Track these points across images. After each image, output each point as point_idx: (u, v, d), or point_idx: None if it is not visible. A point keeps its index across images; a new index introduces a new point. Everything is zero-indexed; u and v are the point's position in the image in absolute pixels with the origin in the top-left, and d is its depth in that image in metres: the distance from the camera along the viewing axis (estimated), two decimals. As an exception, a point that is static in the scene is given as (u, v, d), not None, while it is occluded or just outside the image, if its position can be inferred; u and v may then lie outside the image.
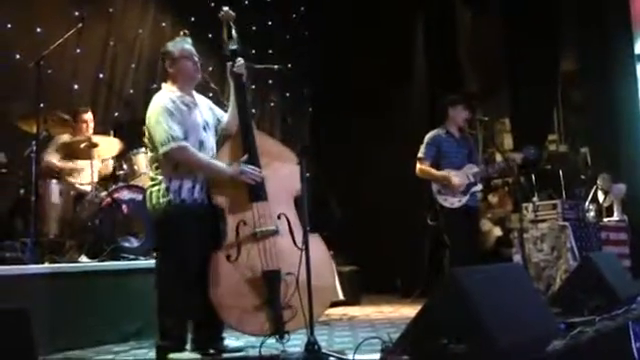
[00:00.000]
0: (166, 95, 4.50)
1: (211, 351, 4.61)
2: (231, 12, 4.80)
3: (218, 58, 8.29)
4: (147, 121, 4.48)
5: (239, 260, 4.45)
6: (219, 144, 4.75)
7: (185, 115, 4.46)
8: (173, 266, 4.35)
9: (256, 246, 4.48)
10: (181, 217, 4.38)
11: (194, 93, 4.68)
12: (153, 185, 4.46)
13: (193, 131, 4.46)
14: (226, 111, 4.89)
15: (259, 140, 4.69)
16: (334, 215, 9.69)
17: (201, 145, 4.49)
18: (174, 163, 4.40)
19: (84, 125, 6.84)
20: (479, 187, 6.55)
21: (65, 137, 6.68)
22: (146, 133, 4.53)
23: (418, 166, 6.53)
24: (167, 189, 4.38)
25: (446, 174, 6.40)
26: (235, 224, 4.49)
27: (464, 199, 6.38)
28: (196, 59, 4.64)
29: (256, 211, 4.52)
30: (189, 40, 4.72)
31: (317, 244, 4.60)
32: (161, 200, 4.39)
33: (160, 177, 4.43)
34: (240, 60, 4.70)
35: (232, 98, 4.78)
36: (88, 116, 6.92)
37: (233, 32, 4.78)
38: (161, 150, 4.33)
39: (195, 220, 4.42)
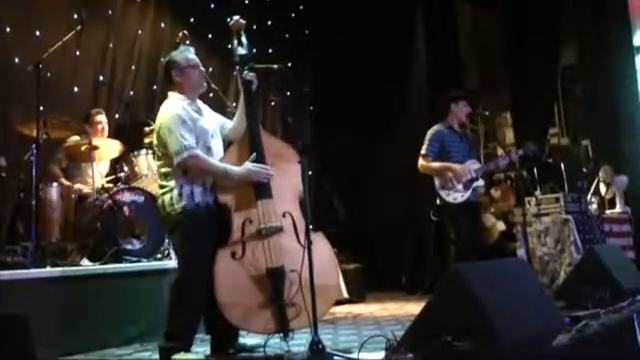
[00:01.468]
0: (176, 103, 4.56)
1: (230, 351, 4.66)
2: (241, 21, 4.87)
3: (218, 59, 8.33)
4: (158, 129, 4.52)
5: (244, 258, 4.47)
6: (224, 149, 4.81)
7: (196, 122, 4.54)
8: (192, 269, 4.41)
9: (261, 244, 4.49)
10: (197, 221, 4.44)
11: (198, 101, 4.75)
12: (164, 193, 4.50)
13: (202, 137, 4.54)
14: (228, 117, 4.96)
15: (264, 140, 4.72)
16: (338, 214, 9.70)
17: (208, 151, 4.56)
18: (184, 169, 4.44)
19: (99, 127, 6.86)
20: (481, 182, 6.54)
21: (73, 140, 6.68)
22: (155, 141, 4.59)
23: (420, 162, 6.52)
24: (180, 195, 4.44)
25: (447, 164, 6.39)
26: (241, 222, 4.51)
27: (467, 194, 6.37)
28: (202, 68, 4.74)
29: (261, 208, 4.53)
30: (192, 49, 4.81)
31: (321, 243, 4.63)
32: (176, 206, 4.44)
33: (171, 184, 4.48)
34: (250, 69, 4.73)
35: (240, 105, 4.80)
36: (102, 118, 6.94)
37: (243, 39, 4.82)
38: (176, 160, 4.38)
39: (210, 222, 4.48)
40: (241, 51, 4.79)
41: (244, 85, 4.74)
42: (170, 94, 4.67)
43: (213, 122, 4.76)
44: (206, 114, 4.74)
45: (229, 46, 4.91)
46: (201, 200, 4.47)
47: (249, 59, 4.78)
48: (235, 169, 4.52)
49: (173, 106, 4.54)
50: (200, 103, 4.76)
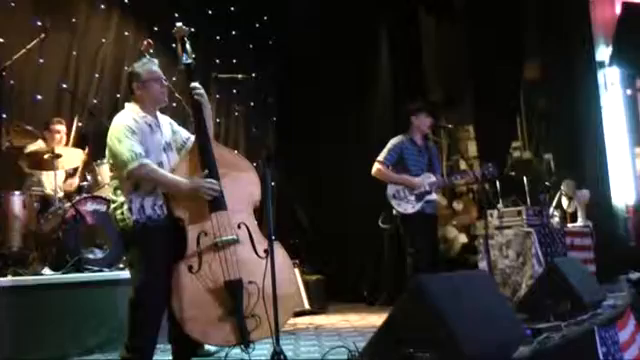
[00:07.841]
0: (128, 115, 4.46)
1: (192, 359, 4.62)
2: (184, 28, 4.79)
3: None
4: (109, 141, 4.41)
5: (201, 271, 4.41)
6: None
7: (146, 135, 4.43)
8: (148, 284, 4.33)
9: (217, 256, 4.44)
10: (150, 235, 4.35)
11: (158, 114, 4.64)
12: (115, 208, 4.42)
13: (153, 151, 4.43)
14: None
15: (216, 151, 4.65)
16: (301, 224, 9.69)
17: (160, 165, 4.45)
18: (135, 181, 4.35)
19: (57, 136, 6.84)
20: (433, 196, 6.60)
21: (34, 146, 6.62)
22: (107, 154, 4.47)
23: (377, 167, 6.55)
24: (130, 209, 4.34)
25: (405, 176, 6.44)
26: (196, 235, 4.46)
27: (417, 206, 6.42)
28: (164, 82, 4.63)
29: (216, 221, 4.48)
30: (156, 61, 4.67)
31: (278, 252, 4.54)
32: (127, 221, 4.34)
33: (121, 199, 4.39)
34: (198, 86, 4.66)
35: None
36: (61, 127, 6.92)
37: (187, 47, 4.75)
38: (125, 170, 4.27)
39: (164, 236, 4.40)
40: (186, 60, 4.73)
41: (193, 103, 4.66)
42: (127, 105, 4.58)
43: (168, 136, 4.64)
44: (164, 127, 4.63)
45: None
46: (152, 213, 4.37)
47: (194, 67, 4.72)
48: (185, 181, 4.45)
49: (124, 117, 4.43)
50: (161, 117, 4.65)
